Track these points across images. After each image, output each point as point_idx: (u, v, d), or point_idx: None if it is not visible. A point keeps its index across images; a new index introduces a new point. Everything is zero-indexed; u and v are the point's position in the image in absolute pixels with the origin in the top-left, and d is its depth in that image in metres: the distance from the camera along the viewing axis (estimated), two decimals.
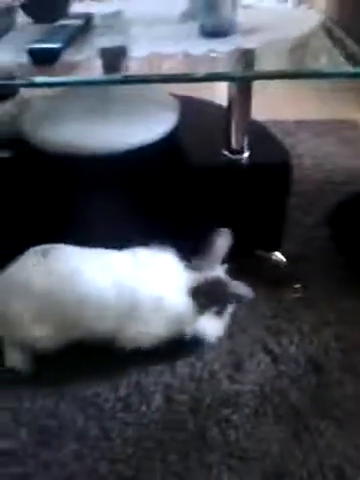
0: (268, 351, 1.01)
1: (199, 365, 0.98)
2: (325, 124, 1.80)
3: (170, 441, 0.86)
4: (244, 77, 0.94)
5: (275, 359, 0.99)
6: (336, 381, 0.95)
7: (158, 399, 0.93)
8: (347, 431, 0.87)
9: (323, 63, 0.89)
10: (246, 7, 1.01)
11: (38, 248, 0.93)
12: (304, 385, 0.95)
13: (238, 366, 0.98)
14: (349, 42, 0.87)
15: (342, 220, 1.15)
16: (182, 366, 0.98)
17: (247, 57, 0.93)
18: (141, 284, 0.91)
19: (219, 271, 0.96)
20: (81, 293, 0.89)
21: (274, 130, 1.75)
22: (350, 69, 0.81)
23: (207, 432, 0.88)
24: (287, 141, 1.71)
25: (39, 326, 0.90)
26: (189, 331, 0.95)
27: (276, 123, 1.78)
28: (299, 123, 1.80)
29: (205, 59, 0.91)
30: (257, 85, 1.03)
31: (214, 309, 0.97)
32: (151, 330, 0.93)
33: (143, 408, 0.91)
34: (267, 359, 0.99)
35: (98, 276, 0.90)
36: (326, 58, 0.90)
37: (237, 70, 0.93)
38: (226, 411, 0.91)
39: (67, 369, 0.96)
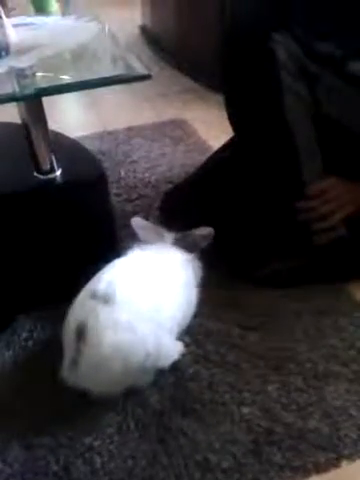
0: None
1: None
2: (157, 127, 1.81)
3: None
4: (29, 95, 0.91)
5: None
6: (192, 375, 0.96)
7: (15, 450, 0.87)
8: (207, 423, 0.88)
9: (99, 70, 0.88)
10: (18, 26, 0.97)
11: (92, 301, 0.86)
12: (163, 387, 0.94)
13: None
14: (120, 50, 0.88)
15: (170, 206, 1.20)
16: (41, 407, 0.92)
17: (27, 75, 0.89)
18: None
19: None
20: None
21: (107, 141, 1.77)
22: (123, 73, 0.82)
23: (71, 466, 0.84)
24: (121, 149, 1.72)
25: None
26: None
27: (108, 134, 1.79)
28: (131, 130, 1.80)
29: None
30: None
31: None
32: None
33: None
34: None
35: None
36: (102, 66, 0.90)
37: (21, 89, 0.89)
38: (88, 439, 0.88)
39: None
